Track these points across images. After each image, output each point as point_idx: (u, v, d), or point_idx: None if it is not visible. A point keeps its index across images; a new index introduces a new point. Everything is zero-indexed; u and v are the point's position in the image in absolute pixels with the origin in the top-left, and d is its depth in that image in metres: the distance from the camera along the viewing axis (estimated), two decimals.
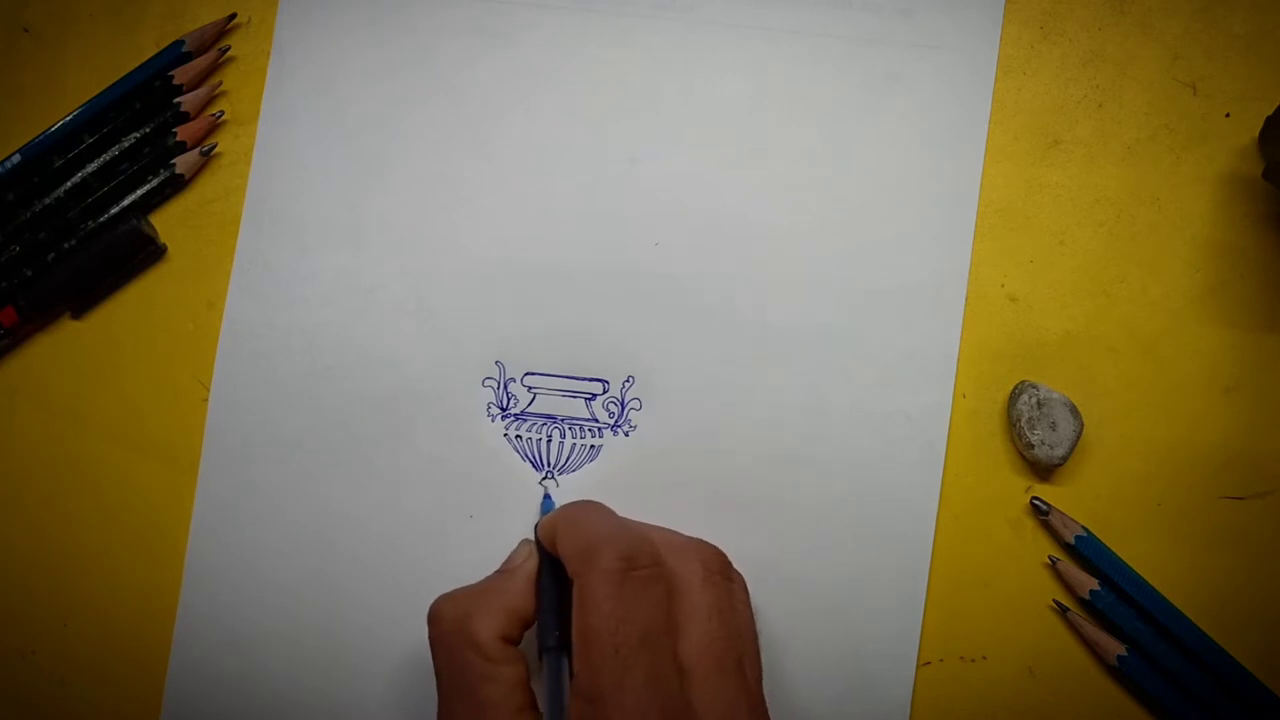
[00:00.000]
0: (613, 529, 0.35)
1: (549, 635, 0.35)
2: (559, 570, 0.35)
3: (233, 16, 0.44)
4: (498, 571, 0.37)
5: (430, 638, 0.35)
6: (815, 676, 0.41)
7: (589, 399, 0.42)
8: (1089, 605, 0.40)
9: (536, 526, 0.38)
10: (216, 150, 0.44)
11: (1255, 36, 0.43)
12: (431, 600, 0.36)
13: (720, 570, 0.35)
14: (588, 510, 0.37)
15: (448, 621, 0.35)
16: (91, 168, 0.43)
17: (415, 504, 0.42)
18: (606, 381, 0.42)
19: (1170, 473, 0.41)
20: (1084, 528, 0.41)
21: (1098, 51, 0.43)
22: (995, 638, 0.41)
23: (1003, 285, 0.42)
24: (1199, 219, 0.43)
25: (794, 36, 0.43)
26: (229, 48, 0.44)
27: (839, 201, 0.43)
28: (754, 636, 0.35)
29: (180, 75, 0.43)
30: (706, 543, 0.36)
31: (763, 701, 0.34)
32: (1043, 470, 0.42)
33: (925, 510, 0.41)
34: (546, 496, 0.41)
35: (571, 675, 0.33)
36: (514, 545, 0.38)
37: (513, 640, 0.35)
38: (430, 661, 0.35)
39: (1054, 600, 0.41)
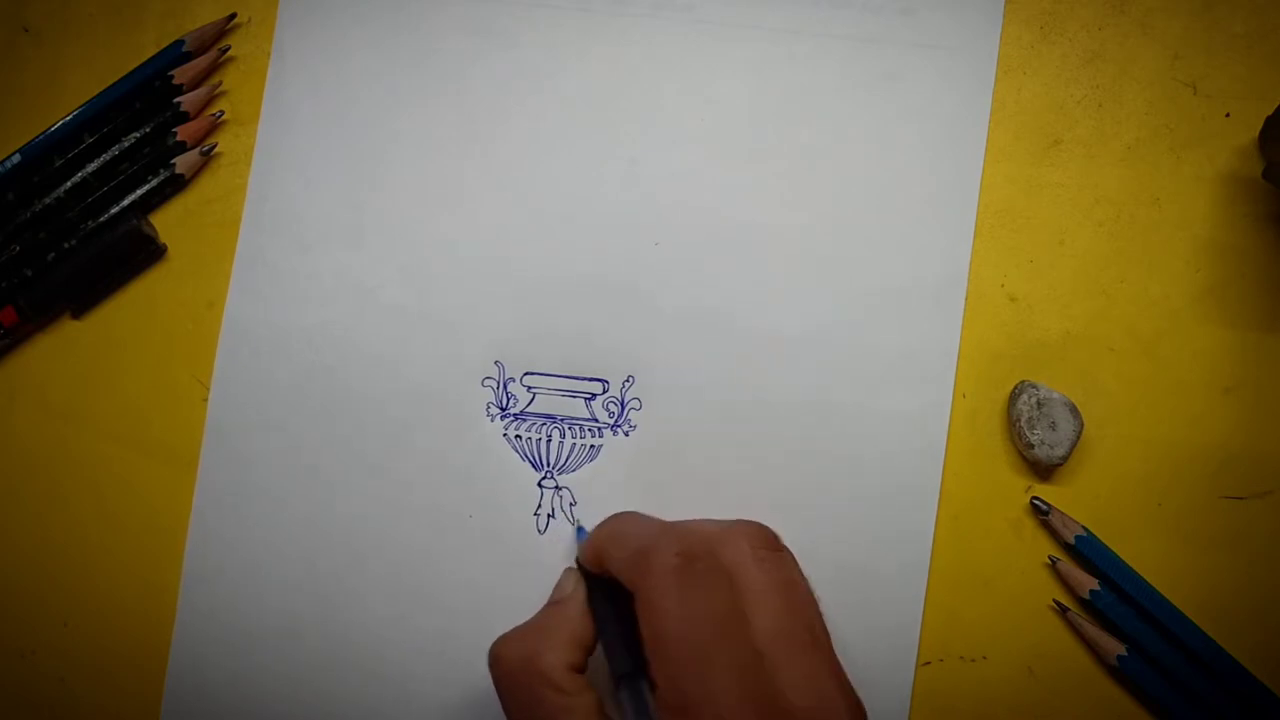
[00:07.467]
0: (659, 530, 0.34)
1: (621, 663, 0.33)
2: (613, 591, 0.35)
3: (233, 16, 0.44)
4: (549, 604, 0.37)
5: (495, 680, 0.35)
6: None
7: (589, 399, 0.42)
8: (1089, 605, 0.40)
9: (578, 557, 0.37)
10: (216, 150, 0.44)
11: (1255, 36, 0.43)
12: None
13: (768, 545, 0.34)
14: (627, 520, 0.36)
15: (513, 661, 0.34)
16: (91, 168, 0.43)
17: (415, 504, 0.42)
18: (606, 381, 0.42)
19: (1170, 473, 0.41)
20: (1084, 528, 0.41)
21: (1098, 51, 0.43)
22: (995, 638, 0.41)
23: (1003, 285, 0.42)
24: (1199, 219, 0.43)
25: (794, 36, 0.43)
26: (229, 48, 0.44)
27: (839, 201, 0.43)
28: (815, 602, 0.34)
29: (180, 75, 0.43)
30: (747, 521, 0.35)
31: (840, 666, 0.33)
32: (1043, 470, 0.42)
33: (925, 510, 0.41)
34: (580, 529, 0.41)
35: (653, 689, 0.32)
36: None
37: (580, 669, 0.34)
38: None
39: (1054, 600, 0.41)
